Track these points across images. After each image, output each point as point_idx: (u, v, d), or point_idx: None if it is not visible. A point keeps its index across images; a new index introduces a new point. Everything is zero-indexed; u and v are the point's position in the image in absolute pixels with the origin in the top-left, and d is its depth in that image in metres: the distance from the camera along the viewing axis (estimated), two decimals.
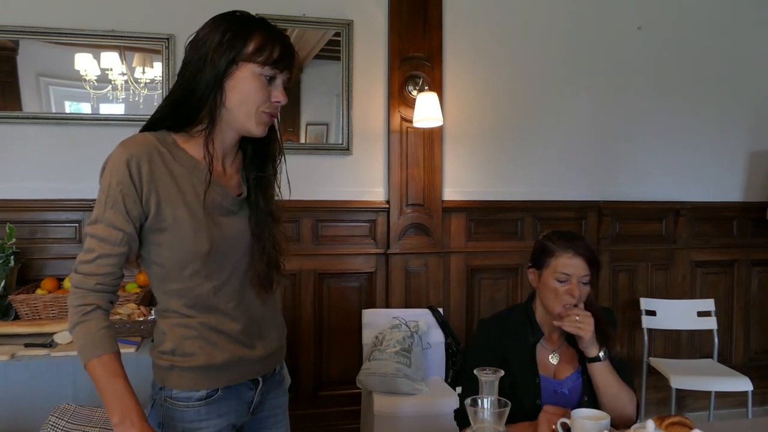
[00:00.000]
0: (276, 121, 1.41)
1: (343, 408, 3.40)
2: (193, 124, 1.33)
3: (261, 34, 1.30)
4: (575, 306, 1.76)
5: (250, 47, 1.28)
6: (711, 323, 3.59)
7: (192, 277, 1.32)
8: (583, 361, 1.80)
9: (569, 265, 1.77)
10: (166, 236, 1.30)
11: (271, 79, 1.32)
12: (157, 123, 1.35)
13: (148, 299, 2.68)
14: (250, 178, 1.42)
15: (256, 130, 1.34)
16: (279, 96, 1.33)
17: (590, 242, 1.91)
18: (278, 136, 1.45)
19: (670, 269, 3.85)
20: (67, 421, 1.83)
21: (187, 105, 1.31)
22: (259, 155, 1.44)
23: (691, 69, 3.83)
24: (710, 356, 3.63)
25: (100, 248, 1.26)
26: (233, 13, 1.33)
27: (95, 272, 1.26)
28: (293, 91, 3.31)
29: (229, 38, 1.28)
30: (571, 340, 1.84)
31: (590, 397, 1.76)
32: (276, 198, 1.49)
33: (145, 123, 1.36)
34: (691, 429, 1.47)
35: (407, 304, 3.43)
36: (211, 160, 1.31)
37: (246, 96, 1.30)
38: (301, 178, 3.33)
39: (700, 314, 3.61)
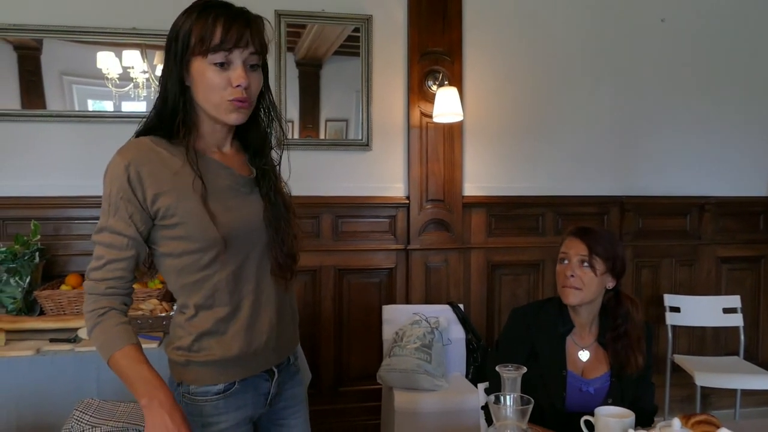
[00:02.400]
0: (264, 108, 1.41)
1: (364, 403, 3.40)
2: (180, 133, 1.33)
3: (200, 22, 1.26)
4: (577, 289, 1.78)
5: (193, 40, 1.26)
6: (737, 320, 3.54)
7: (210, 265, 1.32)
8: (614, 364, 1.80)
9: (568, 246, 1.84)
10: (179, 230, 1.30)
11: (225, 64, 1.27)
12: (149, 131, 1.36)
13: (170, 295, 2.69)
14: (258, 169, 1.42)
15: (229, 119, 1.32)
16: (238, 78, 1.27)
17: (607, 235, 1.88)
18: (279, 124, 1.45)
19: (694, 265, 3.79)
20: (91, 416, 1.85)
21: (167, 115, 1.32)
22: (259, 146, 1.44)
23: (715, 61, 3.76)
24: (736, 353, 3.57)
25: (108, 254, 1.28)
26: (185, 10, 1.30)
27: (105, 277, 1.28)
28: (312, 87, 3.32)
29: (176, 37, 1.29)
30: (603, 341, 1.83)
31: (614, 401, 1.74)
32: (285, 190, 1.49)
33: (138, 129, 1.37)
34: (718, 427, 1.45)
35: (427, 300, 3.43)
36: (196, 166, 1.30)
37: (205, 90, 1.29)
38: (321, 174, 3.39)
39: (726, 311, 3.55)
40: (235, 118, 1.32)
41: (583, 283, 1.78)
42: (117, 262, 1.28)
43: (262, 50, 1.31)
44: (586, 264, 1.79)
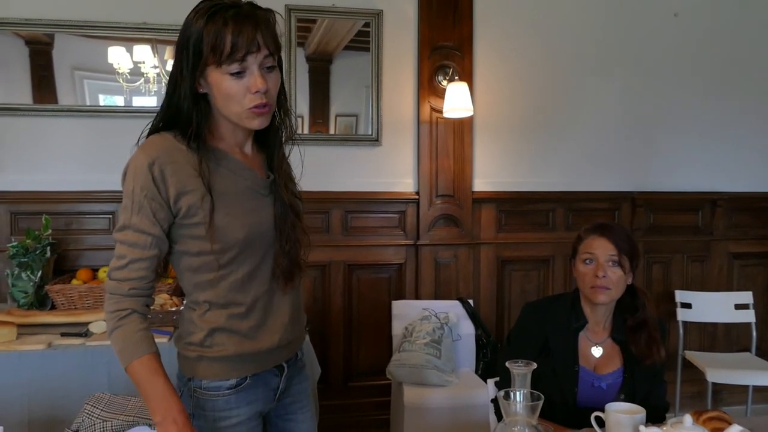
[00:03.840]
0: (281, 106, 1.37)
1: (373, 399, 3.40)
2: (194, 141, 1.30)
3: (209, 28, 1.22)
4: (608, 289, 1.77)
5: (205, 49, 1.23)
6: (749, 316, 3.51)
7: (228, 265, 1.32)
8: (627, 360, 1.79)
9: (593, 245, 1.82)
10: (199, 229, 1.29)
11: (241, 72, 1.24)
12: (165, 129, 1.33)
13: (180, 290, 2.70)
14: (274, 171, 1.40)
15: (252, 125, 1.30)
16: (256, 84, 1.25)
17: (626, 231, 1.89)
18: (290, 120, 1.42)
19: (706, 261, 3.77)
20: (102, 410, 1.86)
21: (181, 121, 1.29)
22: (276, 145, 1.42)
23: (728, 56, 3.73)
24: (748, 350, 3.55)
25: (131, 253, 1.26)
26: (194, 11, 1.26)
27: (128, 277, 1.27)
28: (323, 82, 3.31)
29: (186, 45, 1.25)
30: (617, 338, 1.83)
31: (627, 397, 1.74)
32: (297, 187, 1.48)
33: (151, 128, 1.34)
34: (730, 424, 1.44)
35: (437, 296, 3.42)
36: (207, 177, 1.28)
37: (224, 100, 1.27)
38: (331, 169, 3.39)
39: (738, 307, 3.53)
40: (258, 123, 1.30)
41: (612, 282, 1.78)
42: (140, 262, 1.27)
43: (276, 50, 1.27)
44: (615, 263, 1.78)
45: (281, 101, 1.38)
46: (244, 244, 1.31)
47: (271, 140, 1.41)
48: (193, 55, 1.25)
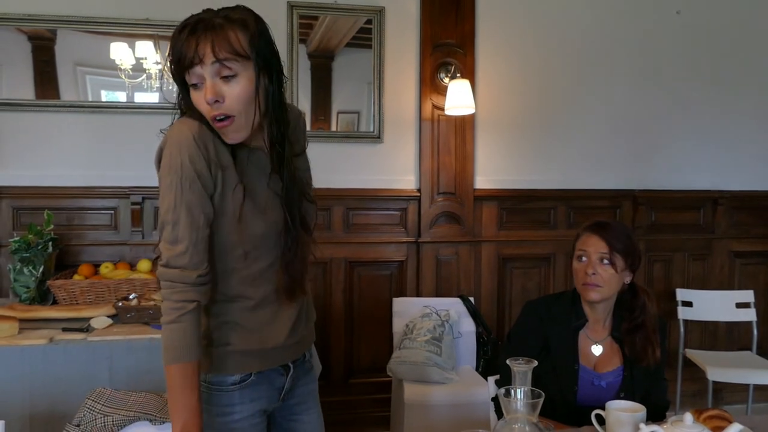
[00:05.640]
0: (269, 115, 1.29)
1: (374, 396, 3.40)
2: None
3: (171, 43, 1.23)
4: (598, 287, 1.77)
5: (174, 63, 1.24)
6: (750, 315, 3.51)
7: (241, 259, 1.32)
8: (627, 358, 1.79)
9: (587, 243, 1.82)
10: (224, 217, 1.29)
11: (198, 84, 1.22)
12: None
13: None
14: (282, 179, 1.36)
15: (225, 139, 1.27)
16: (206, 94, 1.21)
17: (625, 229, 1.87)
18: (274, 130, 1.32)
19: (707, 259, 3.77)
20: (103, 405, 1.86)
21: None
22: (278, 154, 1.35)
23: (730, 54, 3.72)
24: (749, 348, 3.55)
25: (189, 235, 1.22)
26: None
27: (194, 264, 1.23)
28: (324, 79, 3.31)
29: (169, 62, 1.26)
30: (617, 336, 1.83)
31: (627, 395, 1.74)
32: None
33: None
34: (730, 422, 1.44)
35: (438, 293, 3.42)
36: (242, 166, 1.30)
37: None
38: (332, 167, 3.39)
39: (739, 305, 3.52)
40: (229, 138, 1.26)
41: (604, 280, 1.78)
42: (200, 243, 1.23)
43: (232, 57, 1.20)
44: (606, 261, 1.78)
45: (268, 108, 1.28)
46: (261, 240, 1.32)
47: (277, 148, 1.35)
48: (172, 70, 1.26)
